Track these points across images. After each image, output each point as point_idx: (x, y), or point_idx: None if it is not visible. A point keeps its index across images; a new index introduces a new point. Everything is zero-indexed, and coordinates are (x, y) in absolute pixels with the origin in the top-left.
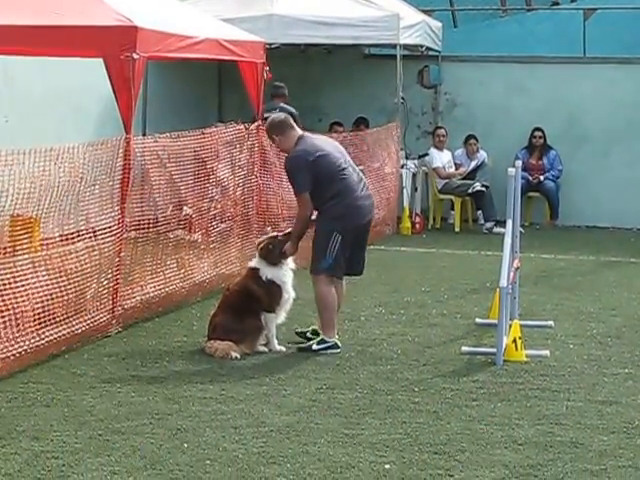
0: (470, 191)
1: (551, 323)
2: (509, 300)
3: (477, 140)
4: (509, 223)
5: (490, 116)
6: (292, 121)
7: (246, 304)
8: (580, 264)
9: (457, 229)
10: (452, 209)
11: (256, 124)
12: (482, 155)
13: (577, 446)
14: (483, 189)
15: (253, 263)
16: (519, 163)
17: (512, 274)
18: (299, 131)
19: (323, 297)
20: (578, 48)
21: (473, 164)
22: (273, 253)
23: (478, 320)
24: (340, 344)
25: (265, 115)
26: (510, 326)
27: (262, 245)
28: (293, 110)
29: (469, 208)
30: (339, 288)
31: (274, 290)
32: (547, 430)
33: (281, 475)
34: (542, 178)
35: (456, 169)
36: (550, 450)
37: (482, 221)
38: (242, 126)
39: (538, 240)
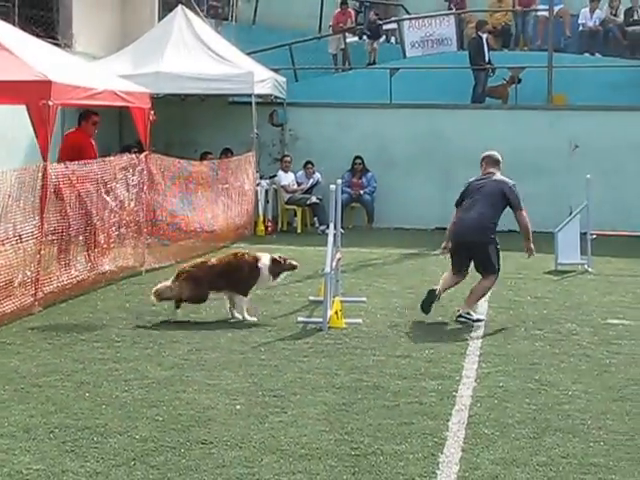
0: (308, 203)
1: (364, 299)
2: (332, 282)
3: (313, 165)
4: (332, 226)
5: (323, 147)
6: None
7: (224, 277)
8: (389, 256)
9: (299, 231)
10: (295, 216)
11: (144, 154)
12: (317, 176)
13: (379, 389)
14: (318, 201)
15: (263, 259)
16: (339, 182)
17: (334, 263)
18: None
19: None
20: (386, 96)
21: (310, 182)
22: (278, 267)
23: (311, 297)
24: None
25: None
26: (333, 302)
27: (279, 255)
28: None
29: (308, 215)
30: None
31: (254, 278)
32: (357, 377)
33: (158, 415)
34: (362, 192)
35: (297, 187)
36: (359, 392)
37: (317, 225)
38: (134, 155)
39: (358, 239)
